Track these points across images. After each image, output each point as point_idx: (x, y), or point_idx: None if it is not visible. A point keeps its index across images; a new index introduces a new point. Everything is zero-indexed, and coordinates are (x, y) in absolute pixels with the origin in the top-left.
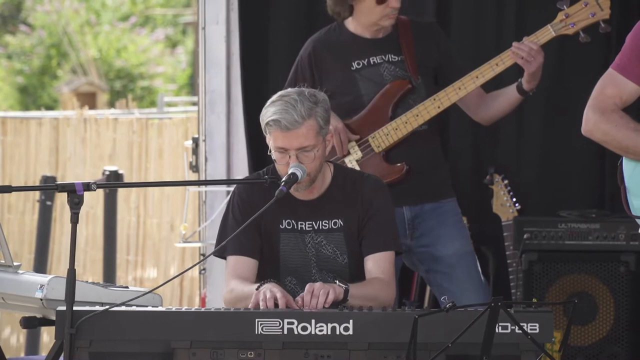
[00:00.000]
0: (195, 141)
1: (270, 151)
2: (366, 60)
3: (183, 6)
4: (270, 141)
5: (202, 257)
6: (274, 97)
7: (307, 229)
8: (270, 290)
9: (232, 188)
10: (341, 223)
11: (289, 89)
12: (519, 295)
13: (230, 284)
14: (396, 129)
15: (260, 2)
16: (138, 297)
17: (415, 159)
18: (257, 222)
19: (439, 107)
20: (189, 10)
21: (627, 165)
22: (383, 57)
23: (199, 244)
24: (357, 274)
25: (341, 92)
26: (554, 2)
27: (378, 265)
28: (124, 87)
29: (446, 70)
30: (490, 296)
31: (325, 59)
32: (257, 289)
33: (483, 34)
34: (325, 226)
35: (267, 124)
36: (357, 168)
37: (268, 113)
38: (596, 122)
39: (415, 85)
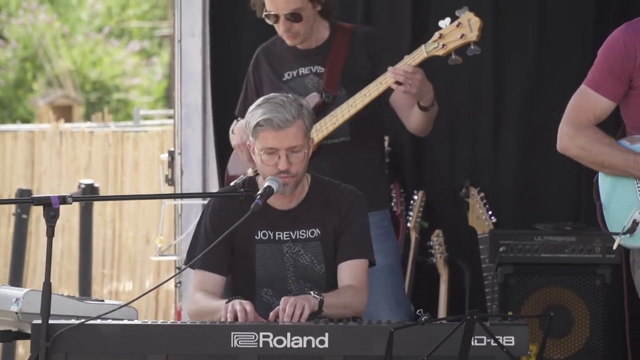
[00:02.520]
0: (171, 154)
1: (256, 154)
2: (296, 71)
3: (159, 19)
4: (257, 144)
5: (177, 271)
6: (259, 100)
7: (284, 238)
8: (240, 303)
9: (207, 201)
10: (318, 232)
11: (272, 94)
12: (494, 308)
13: (195, 296)
14: (316, 132)
15: (231, 15)
16: (114, 310)
17: (339, 171)
18: (231, 235)
19: (334, 124)
20: (165, 23)
21: (603, 182)
22: (311, 68)
23: (174, 257)
24: (334, 283)
25: None
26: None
27: (351, 272)
28: (99, 99)
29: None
30: (412, 313)
31: (263, 68)
32: (226, 303)
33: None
34: (303, 235)
35: (257, 124)
36: None
37: (257, 114)
38: (571, 137)
39: (326, 100)
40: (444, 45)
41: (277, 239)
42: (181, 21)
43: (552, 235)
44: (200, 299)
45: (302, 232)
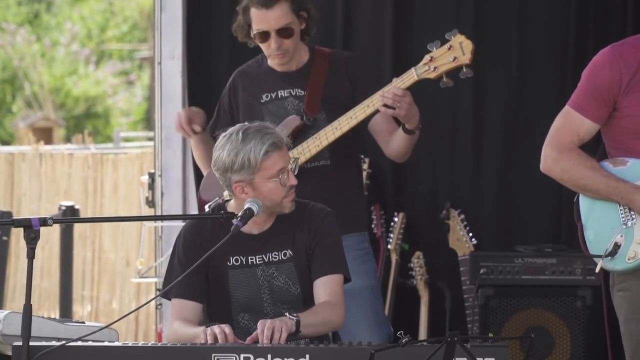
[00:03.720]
0: (152, 176)
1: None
2: (274, 93)
3: (139, 41)
4: (264, 171)
5: (158, 293)
6: (240, 136)
7: (257, 262)
8: (219, 326)
9: (180, 231)
10: (290, 253)
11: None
12: (475, 330)
13: (173, 325)
14: (298, 155)
15: (208, 38)
16: (94, 332)
17: (319, 193)
18: (204, 263)
19: (318, 146)
20: (145, 45)
21: (584, 203)
22: (290, 91)
23: (155, 279)
24: (310, 303)
25: None
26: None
27: (326, 288)
28: (79, 119)
29: (354, 104)
30: (391, 334)
31: (242, 88)
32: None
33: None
34: (276, 258)
35: (265, 152)
36: None
37: (256, 148)
38: (554, 160)
39: (307, 123)
40: (435, 68)
41: (249, 263)
42: (161, 43)
43: (533, 257)
44: (178, 327)
45: (275, 254)
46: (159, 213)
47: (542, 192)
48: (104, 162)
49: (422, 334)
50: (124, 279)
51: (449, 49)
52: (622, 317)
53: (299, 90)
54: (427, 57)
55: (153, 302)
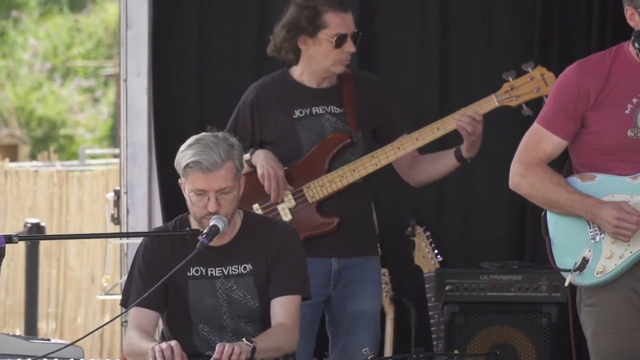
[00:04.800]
0: (117, 193)
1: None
2: (308, 109)
3: (104, 58)
4: (187, 185)
5: (123, 310)
6: (190, 140)
7: (217, 274)
8: (166, 343)
9: (140, 241)
10: (251, 267)
11: (202, 134)
12: (440, 347)
13: (129, 334)
14: (331, 182)
15: (174, 56)
16: (59, 349)
17: (347, 212)
18: (164, 272)
19: (376, 165)
20: (110, 62)
21: (551, 218)
22: (325, 108)
23: (120, 296)
24: (268, 317)
25: (280, 139)
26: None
27: (283, 309)
28: (45, 135)
29: (384, 129)
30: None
31: (267, 105)
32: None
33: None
34: (235, 271)
35: (186, 166)
36: (290, 216)
37: (186, 156)
38: (522, 176)
39: (355, 140)
40: (517, 97)
41: (209, 275)
42: (127, 60)
43: (498, 273)
44: (133, 339)
45: (235, 268)
46: (124, 230)
47: (507, 209)
48: (69, 179)
49: (388, 350)
50: (89, 296)
51: (531, 79)
52: (590, 333)
53: (335, 108)
54: (506, 86)
55: (118, 319)
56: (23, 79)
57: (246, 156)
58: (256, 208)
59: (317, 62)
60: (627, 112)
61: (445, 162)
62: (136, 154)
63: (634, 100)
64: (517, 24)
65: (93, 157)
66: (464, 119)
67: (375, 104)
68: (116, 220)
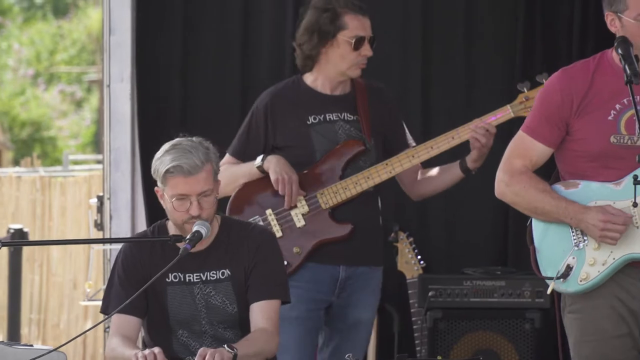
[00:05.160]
0: (100, 199)
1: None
2: (322, 116)
3: (88, 64)
4: (167, 190)
5: (105, 316)
6: (165, 146)
7: (195, 280)
8: (149, 349)
9: (120, 247)
10: (229, 273)
11: (177, 139)
12: (423, 352)
13: (112, 341)
14: (345, 189)
15: (157, 60)
16: (42, 355)
17: (359, 219)
18: (143, 279)
19: (390, 172)
20: (94, 67)
21: (537, 226)
22: (339, 115)
23: None
24: (247, 322)
25: (294, 145)
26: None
27: (263, 314)
28: (29, 137)
29: (392, 138)
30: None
31: (281, 110)
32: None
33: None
34: (214, 276)
35: (166, 171)
36: (303, 222)
37: (165, 162)
38: (507, 184)
39: (368, 147)
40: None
41: (187, 280)
42: (110, 66)
43: (482, 279)
44: (115, 346)
45: (213, 273)
46: (107, 236)
47: (491, 215)
48: (52, 185)
49: (371, 356)
50: (72, 301)
51: None
52: (573, 339)
53: (349, 115)
54: (521, 97)
55: (101, 325)
56: (7, 84)
57: (257, 162)
58: (269, 214)
59: (333, 65)
60: (610, 118)
61: (451, 174)
62: (119, 159)
63: (617, 106)
64: (500, 29)
65: (76, 162)
66: (480, 131)
67: (386, 113)
68: (99, 226)
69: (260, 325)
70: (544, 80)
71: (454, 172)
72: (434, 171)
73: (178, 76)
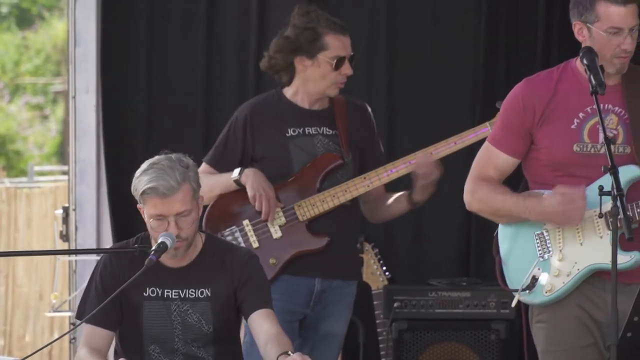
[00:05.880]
0: (66, 210)
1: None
2: (301, 129)
3: (53, 75)
4: (146, 210)
5: (72, 327)
6: (144, 165)
7: (173, 296)
8: None
9: (100, 257)
10: (208, 293)
11: (157, 157)
12: None
13: (80, 352)
14: (323, 201)
15: (123, 72)
16: None
17: (337, 233)
18: (120, 292)
19: (368, 186)
20: (59, 79)
21: (503, 237)
22: (318, 129)
23: (68, 313)
24: (221, 342)
25: (272, 157)
26: None
27: (269, 318)
28: None
29: (369, 154)
30: None
31: (260, 122)
32: None
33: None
34: (192, 295)
35: (143, 192)
36: (280, 233)
37: (142, 182)
38: (471, 193)
39: (346, 161)
40: None
41: (165, 296)
42: (75, 77)
43: (447, 290)
44: (82, 357)
45: (192, 291)
46: (73, 247)
47: (455, 226)
48: (18, 196)
49: None
50: (38, 313)
51: None
52: (540, 349)
53: (327, 130)
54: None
55: (67, 336)
56: None
57: (234, 175)
58: (246, 224)
59: (313, 83)
60: (573, 127)
61: (398, 205)
62: (85, 170)
63: (581, 115)
64: (463, 39)
65: (42, 174)
66: (424, 163)
67: (364, 129)
68: (65, 237)
69: (273, 329)
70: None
71: (402, 203)
72: (388, 197)
73: (143, 88)
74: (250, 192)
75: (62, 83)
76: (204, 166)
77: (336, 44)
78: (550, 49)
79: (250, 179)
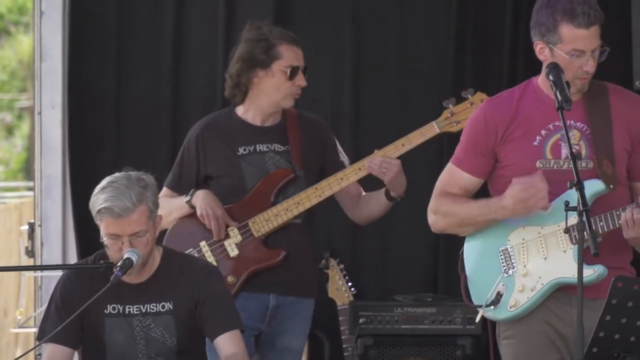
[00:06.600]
0: (31, 226)
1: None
2: (252, 147)
3: (18, 91)
4: (101, 228)
5: (37, 342)
6: (103, 182)
7: (134, 312)
8: None
9: (60, 275)
10: (170, 307)
11: (117, 174)
12: None
13: None
14: (277, 215)
15: (89, 88)
16: None
17: (292, 247)
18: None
19: (320, 196)
20: (25, 94)
21: (469, 254)
22: (269, 146)
23: (34, 329)
24: (185, 356)
25: (224, 175)
26: None
27: (233, 342)
28: None
29: (329, 168)
30: None
31: (212, 141)
32: None
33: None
34: (154, 309)
35: (98, 211)
36: (237, 251)
37: (99, 201)
38: (435, 211)
39: (299, 175)
40: (457, 123)
41: (126, 312)
42: (41, 93)
43: (412, 306)
44: None
45: (153, 306)
46: (38, 263)
47: (422, 242)
48: None
49: None
50: (3, 329)
51: (471, 105)
52: None
53: (279, 146)
54: (447, 112)
55: (32, 352)
56: None
57: (187, 198)
58: (203, 245)
59: (267, 95)
60: (535, 143)
61: (377, 202)
62: (50, 186)
63: (543, 132)
64: (432, 51)
65: (7, 189)
66: (374, 163)
67: (320, 144)
68: (30, 253)
69: (233, 351)
70: (469, 96)
71: (381, 200)
72: (368, 197)
73: (110, 104)
74: (198, 212)
75: (27, 99)
76: (164, 190)
77: (289, 54)
78: (516, 60)
79: (200, 199)
